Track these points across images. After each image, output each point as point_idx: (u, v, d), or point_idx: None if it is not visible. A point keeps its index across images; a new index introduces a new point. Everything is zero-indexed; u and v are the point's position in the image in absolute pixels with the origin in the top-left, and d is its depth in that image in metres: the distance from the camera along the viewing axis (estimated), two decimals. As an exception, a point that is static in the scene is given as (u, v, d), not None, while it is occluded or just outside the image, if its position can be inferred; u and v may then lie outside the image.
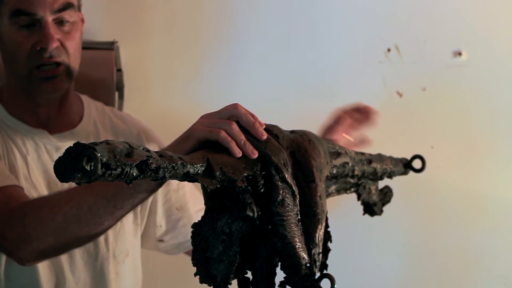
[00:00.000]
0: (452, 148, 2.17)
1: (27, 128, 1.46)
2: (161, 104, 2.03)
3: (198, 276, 0.95)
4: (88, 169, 0.76)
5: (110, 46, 1.85)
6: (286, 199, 0.99)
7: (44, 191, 1.43)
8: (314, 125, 1.62)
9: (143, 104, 1.97)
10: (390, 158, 1.49)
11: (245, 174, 0.96)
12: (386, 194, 1.48)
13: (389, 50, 2.14)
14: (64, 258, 1.43)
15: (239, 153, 0.98)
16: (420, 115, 2.16)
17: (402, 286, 2.21)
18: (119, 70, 1.86)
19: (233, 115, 1.03)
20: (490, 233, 2.19)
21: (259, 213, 0.97)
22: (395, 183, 2.16)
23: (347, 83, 2.13)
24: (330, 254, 2.15)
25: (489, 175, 2.18)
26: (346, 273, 2.16)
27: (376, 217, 2.17)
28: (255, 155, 0.99)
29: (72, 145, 0.77)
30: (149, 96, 2.03)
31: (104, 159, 0.78)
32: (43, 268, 1.41)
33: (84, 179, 0.77)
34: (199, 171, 0.90)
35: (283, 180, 0.99)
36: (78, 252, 1.45)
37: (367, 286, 2.17)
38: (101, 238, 1.46)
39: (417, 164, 1.53)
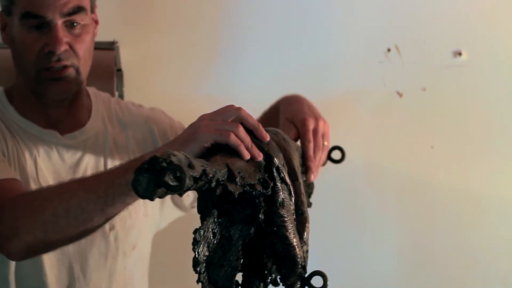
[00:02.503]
0: (452, 148, 2.17)
1: (37, 129, 1.45)
2: (161, 104, 2.02)
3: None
4: (175, 183, 0.75)
5: (110, 46, 1.85)
6: (285, 199, 0.99)
7: None
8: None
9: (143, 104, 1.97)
10: None
11: (257, 177, 0.96)
12: (309, 186, 1.47)
13: (389, 50, 2.14)
14: (74, 259, 1.42)
15: (248, 156, 0.98)
16: (420, 115, 2.16)
17: (402, 286, 2.21)
18: (119, 70, 1.86)
19: (237, 117, 1.03)
20: (490, 233, 2.19)
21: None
22: (396, 183, 2.17)
23: (347, 83, 2.13)
24: (331, 253, 2.15)
25: (489, 175, 2.18)
26: (346, 272, 2.16)
27: (376, 217, 2.18)
28: (261, 157, 1.00)
29: (148, 159, 0.75)
30: (149, 97, 2.03)
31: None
32: (51, 269, 1.41)
33: (165, 194, 0.76)
34: (224, 177, 0.90)
35: (283, 180, 1.00)
36: (89, 252, 1.44)
37: (368, 285, 2.18)
38: (111, 237, 1.45)
39: (336, 155, 1.52)
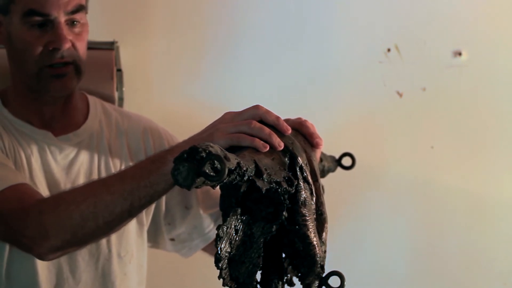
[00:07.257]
0: (452, 148, 2.17)
1: (31, 129, 1.46)
2: (161, 104, 2.03)
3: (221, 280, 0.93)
4: (214, 174, 0.75)
5: (110, 46, 1.84)
6: (307, 198, 0.99)
7: (45, 192, 1.42)
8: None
9: (143, 104, 1.97)
10: (326, 155, 1.49)
11: (282, 175, 0.96)
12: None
13: (389, 50, 2.14)
14: (63, 259, 1.43)
15: (263, 148, 0.99)
16: (420, 115, 2.16)
17: (402, 285, 2.21)
18: (119, 70, 1.86)
19: (255, 115, 1.04)
20: (490, 233, 2.19)
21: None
22: (395, 183, 2.17)
23: (347, 83, 2.13)
24: (335, 253, 2.16)
25: (489, 175, 2.18)
26: (346, 271, 2.16)
27: (377, 217, 2.18)
28: (281, 146, 1.01)
29: (188, 149, 0.76)
30: (149, 96, 2.03)
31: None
32: (42, 268, 1.41)
33: (203, 184, 0.76)
34: (252, 173, 0.90)
35: (305, 180, 1.00)
36: (78, 253, 1.44)
37: (367, 284, 2.17)
38: (103, 239, 1.46)
39: (347, 161, 1.51)
